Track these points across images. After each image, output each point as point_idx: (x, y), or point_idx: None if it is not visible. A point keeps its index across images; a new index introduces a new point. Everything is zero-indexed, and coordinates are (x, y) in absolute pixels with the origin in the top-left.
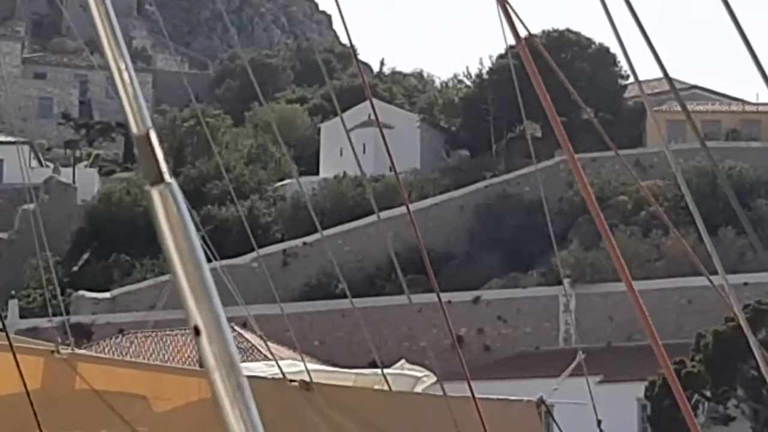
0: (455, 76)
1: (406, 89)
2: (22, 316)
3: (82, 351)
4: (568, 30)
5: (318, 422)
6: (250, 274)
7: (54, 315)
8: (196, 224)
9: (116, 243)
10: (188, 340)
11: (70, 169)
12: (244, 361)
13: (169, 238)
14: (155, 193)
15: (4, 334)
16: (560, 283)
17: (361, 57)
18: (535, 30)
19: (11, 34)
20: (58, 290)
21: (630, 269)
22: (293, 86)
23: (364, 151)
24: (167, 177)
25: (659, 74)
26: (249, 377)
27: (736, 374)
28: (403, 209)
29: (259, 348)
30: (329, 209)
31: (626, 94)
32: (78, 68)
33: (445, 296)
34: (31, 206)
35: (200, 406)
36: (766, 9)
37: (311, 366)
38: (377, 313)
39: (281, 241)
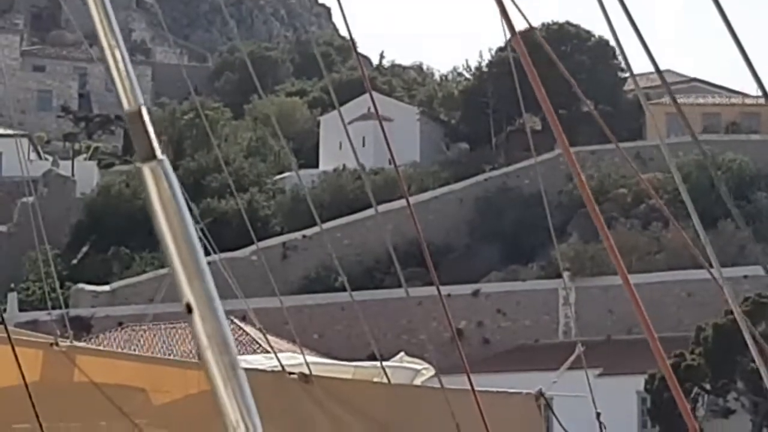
0: (455, 69)
1: (406, 82)
2: (21, 309)
3: (81, 344)
4: (567, 23)
5: (317, 415)
6: (250, 267)
7: (53, 308)
8: (194, 217)
9: (115, 236)
10: (188, 333)
11: (69, 162)
12: (243, 354)
13: (160, 215)
14: (147, 170)
15: (3, 327)
16: (560, 276)
17: (360, 50)
18: (535, 23)
19: (10, 27)
20: (57, 283)
21: (630, 262)
22: (293, 79)
23: (363, 144)
24: (159, 153)
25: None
26: (248, 370)
27: (736, 367)
28: (402, 202)
29: (259, 341)
30: (329, 202)
31: (626, 87)
32: (77, 61)
33: (445, 289)
34: (30, 199)
35: (199, 399)
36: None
37: (310, 359)
38: (376, 306)
39: (281, 234)
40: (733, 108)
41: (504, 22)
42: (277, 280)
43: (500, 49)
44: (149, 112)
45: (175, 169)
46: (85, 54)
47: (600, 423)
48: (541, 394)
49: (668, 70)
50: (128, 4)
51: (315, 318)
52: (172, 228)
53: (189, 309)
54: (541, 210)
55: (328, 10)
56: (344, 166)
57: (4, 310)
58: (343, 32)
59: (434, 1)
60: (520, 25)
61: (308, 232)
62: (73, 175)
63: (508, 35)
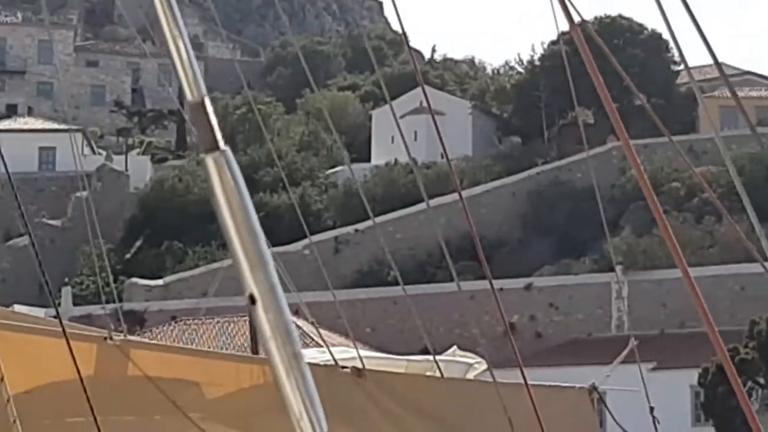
0: (507, 62)
1: (458, 76)
2: (75, 304)
3: (135, 338)
4: (620, 16)
5: (370, 409)
6: (302, 262)
7: (107, 302)
8: None
9: (168, 230)
10: (240, 327)
11: (122, 157)
12: None
13: (224, 206)
14: (210, 161)
15: (57, 321)
16: (612, 269)
17: (412, 44)
18: (588, 16)
19: (64, 23)
20: (111, 278)
21: (683, 256)
22: (345, 73)
23: (415, 138)
24: (222, 144)
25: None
26: None
27: None
28: (454, 196)
29: (311, 335)
30: (381, 196)
31: (679, 80)
32: (130, 56)
33: (497, 283)
34: (84, 194)
35: (252, 393)
36: None
37: (363, 353)
38: (429, 300)
39: (333, 228)
40: None
41: (561, 14)
42: (329, 274)
43: (552, 43)
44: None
45: None
46: (138, 49)
47: (653, 417)
48: (594, 388)
49: (722, 63)
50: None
51: (367, 312)
52: (235, 219)
53: (252, 300)
54: (593, 204)
55: (380, 4)
56: (396, 160)
57: (59, 304)
58: (395, 26)
59: None
60: (573, 19)
61: (360, 226)
62: (126, 169)
63: (561, 29)
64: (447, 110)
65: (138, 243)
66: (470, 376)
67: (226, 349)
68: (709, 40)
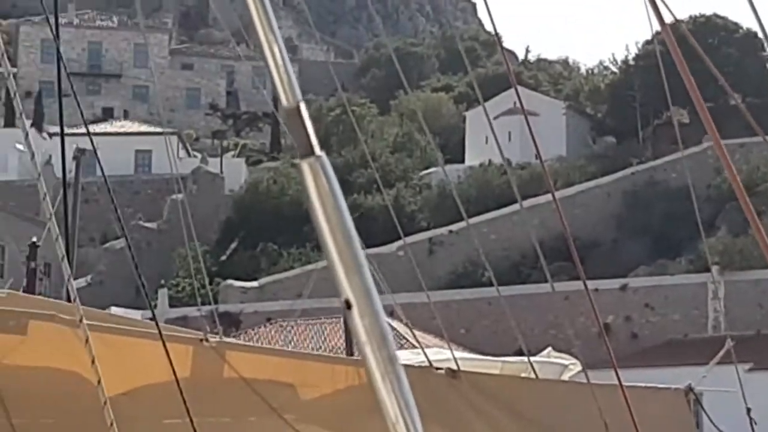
0: (601, 62)
1: (552, 76)
2: (171, 306)
3: (231, 339)
4: (715, 15)
5: (464, 410)
6: (396, 263)
7: (203, 304)
8: None
9: (263, 232)
10: (335, 328)
11: (217, 159)
12: None
13: (319, 211)
14: (306, 166)
15: (154, 323)
16: (708, 270)
17: (505, 44)
18: (682, 15)
19: (159, 26)
20: (207, 279)
21: None
22: (438, 74)
23: (509, 139)
24: (317, 150)
25: None
26: None
27: None
28: (548, 197)
29: (406, 336)
30: (475, 197)
31: None
32: (225, 59)
33: (592, 284)
34: (180, 196)
35: (347, 394)
36: None
37: (458, 354)
38: (523, 301)
39: (427, 229)
40: None
41: (653, 14)
42: (423, 275)
43: (647, 42)
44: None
45: None
46: (233, 52)
47: (750, 419)
48: (690, 389)
49: None
50: (275, 2)
51: (462, 313)
52: (330, 223)
53: (348, 305)
54: (689, 204)
55: (473, 5)
56: (490, 161)
57: (155, 306)
58: (489, 27)
59: None
60: (666, 19)
61: (454, 227)
62: (221, 172)
63: (655, 28)
64: (541, 111)
65: (233, 245)
66: (565, 377)
67: (321, 350)
68: None
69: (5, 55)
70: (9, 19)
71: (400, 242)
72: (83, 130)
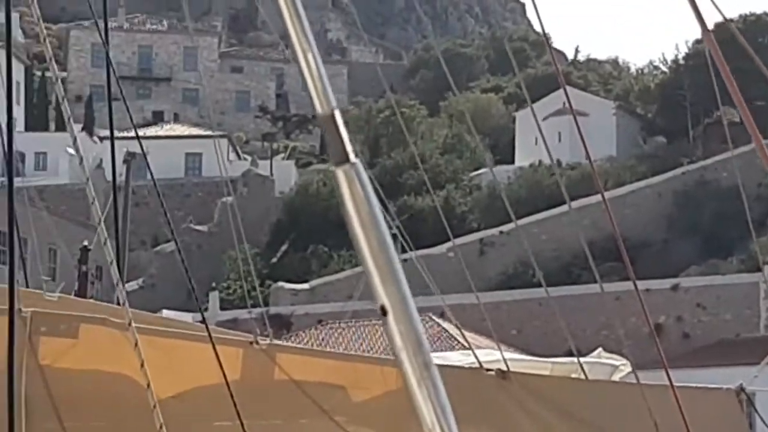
0: (651, 62)
1: (601, 76)
2: (222, 308)
3: (281, 342)
4: (765, 14)
5: (515, 411)
6: (447, 264)
7: (253, 306)
8: (390, 215)
9: (314, 234)
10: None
11: (267, 162)
12: (441, 351)
13: (354, 218)
14: (341, 173)
15: (204, 326)
16: (760, 269)
17: (555, 45)
18: (732, 14)
19: (209, 29)
20: (257, 282)
21: None
22: (488, 75)
23: (559, 140)
24: (352, 157)
25: None
26: (446, 367)
27: None
28: (598, 197)
29: (457, 337)
30: (525, 198)
31: None
32: (274, 62)
33: (643, 284)
34: (229, 199)
35: (398, 396)
36: None
37: (508, 355)
38: (573, 301)
39: (477, 230)
40: None
41: (695, 17)
42: (474, 276)
43: (697, 42)
44: (345, 112)
45: (372, 167)
46: (282, 55)
47: None
48: (742, 389)
49: None
50: (324, 4)
51: (513, 314)
52: (365, 231)
53: (384, 311)
54: (739, 203)
55: (522, 5)
56: (540, 161)
57: (206, 309)
58: (538, 27)
59: None
60: (714, 18)
61: (505, 228)
62: (271, 174)
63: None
64: (591, 111)
65: (284, 247)
66: (615, 378)
67: (372, 352)
68: None
69: (53, 60)
70: (59, 23)
71: (450, 243)
72: (133, 133)
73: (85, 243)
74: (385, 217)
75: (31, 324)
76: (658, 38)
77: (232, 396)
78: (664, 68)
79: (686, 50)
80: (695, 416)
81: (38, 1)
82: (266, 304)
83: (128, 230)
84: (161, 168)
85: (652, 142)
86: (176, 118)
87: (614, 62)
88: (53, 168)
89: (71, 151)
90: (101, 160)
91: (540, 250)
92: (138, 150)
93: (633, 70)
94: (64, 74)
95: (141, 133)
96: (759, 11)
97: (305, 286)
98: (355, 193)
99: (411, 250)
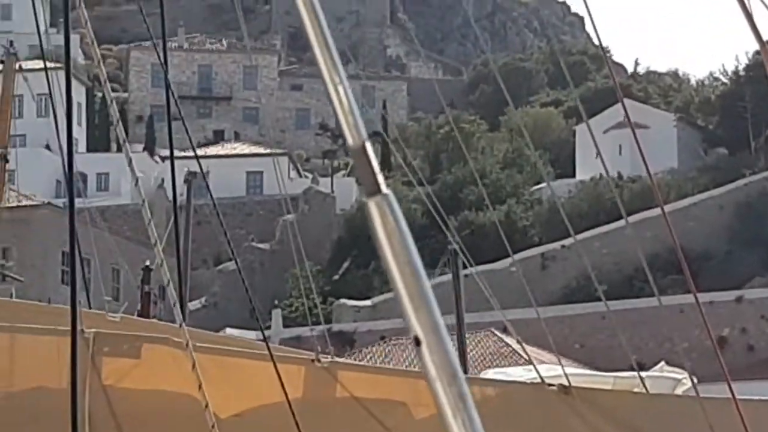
0: (711, 73)
1: (662, 89)
2: (285, 326)
3: (342, 359)
4: None
5: (577, 425)
6: (509, 279)
7: (315, 324)
8: (450, 231)
9: (375, 251)
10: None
11: (328, 179)
12: (504, 366)
13: (386, 249)
14: (372, 205)
15: (265, 344)
16: None
17: (614, 57)
18: None
19: (268, 48)
20: (318, 299)
21: None
22: (547, 89)
23: (620, 152)
24: (384, 188)
25: None
26: (508, 382)
27: None
28: (659, 210)
29: (520, 352)
30: (586, 211)
31: None
32: None
33: (707, 296)
34: (291, 217)
35: None
36: None
37: (570, 369)
38: (636, 314)
39: (539, 244)
40: None
41: (751, 30)
42: (536, 290)
43: (757, 53)
44: (404, 128)
45: (432, 183)
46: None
47: None
48: None
49: None
50: (383, 21)
51: (575, 328)
52: (398, 261)
53: (417, 342)
54: None
55: (581, 19)
56: (601, 175)
57: (269, 326)
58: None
59: (689, 7)
60: (765, 35)
61: (567, 242)
62: (332, 191)
63: (765, 38)
64: (651, 123)
65: (345, 264)
66: (678, 391)
67: None
68: None
69: (107, 82)
70: (120, 44)
71: (512, 258)
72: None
73: (147, 263)
74: (445, 233)
75: (93, 344)
76: (718, 49)
77: (293, 414)
78: (724, 79)
79: (746, 61)
80: (758, 430)
81: (99, 23)
82: (329, 322)
83: (190, 249)
84: (223, 187)
85: (713, 154)
86: (237, 137)
87: (674, 74)
88: (115, 188)
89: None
90: (163, 180)
91: (602, 263)
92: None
93: (693, 81)
94: (125, 95)
95: (202, 152)
96: None
97: (367, 302)
98: (387, 224)
99: (471, 266)
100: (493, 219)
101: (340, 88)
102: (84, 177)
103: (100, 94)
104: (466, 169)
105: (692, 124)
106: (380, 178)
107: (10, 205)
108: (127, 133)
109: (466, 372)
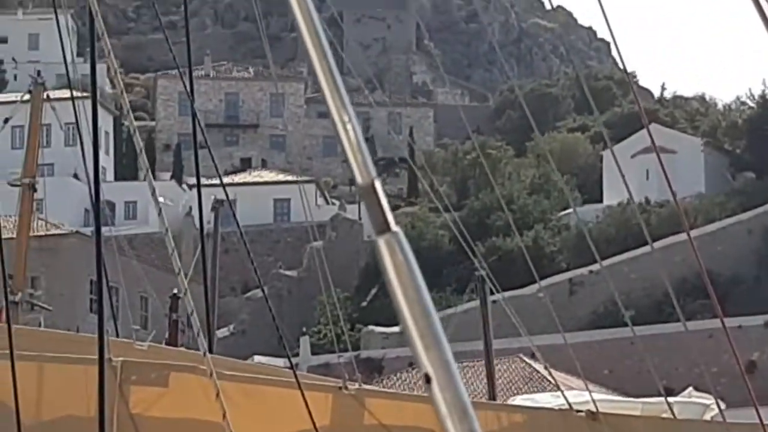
0: (738, 97)
1: (688, 113)
2: (314, 353)
3: (370, 387)
4: None
5: None
6: (537, 304)
7: (343, 351)
8: (478, 257)
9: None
10: (477, 372)
11: (355, 206)
12: (532, 393)
13: (396, 287)
14: (382, 242)
15: (294, 372)
16: None
17: (640, 82)
18: None
19: (294, 75)
20: (345, 326)
21: None
22: (574, 115)
23: (647, 177)
24: (393, 226)
25: None
26: (536, 408)
27: None
28: (685, 235)
29: (549, 378)
30: (614, 236)
31: None
32: (360, 105)
33: (735, 321)
34: (318, 244)
35: None
36: None
37: (597, 396)
38: (665, 339)
39: (567, 270)
40: None
41: None
42: (565, 316)
43: None
44: (431, 154)
45: (459, 209)
46: (368, 98)
47: None
48: None
49: None
50: (408, 48)
51: (604, 353)
52: (408, 299)
53: (428, 379)
54: None
55: (607, 44)
56: (628, 200)
57: (297, 354)
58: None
59: (714, 31)
60: None
61: (594, 267)
62: (359, 218)
63: None
64: (678, 148)
65: (373, 291)
66: (707, 417)
67: None
68: None
69: (130, 112)
70: (147, 72)
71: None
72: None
73: (175, 291)
74: (472, 260)
75: (121, 373)
76: (745, 73)
77: None
78: (751, 103)
79: None
80: None
81: (126, 52)
82: (357, 348)
83: (218, 277)
84: (250, 214)
85: (741, 178)
86: (264, 165)
87: (701, 99)
88: (143, 216)
89: (162, 199)
90: (191, 208)
91: (631, 288)
92: (229, 197)
93: (720, 106)
94: (152, 123)
95: (229, 180)
96: None
97: (396, 329)
98: (397, 262)
99: (498, 291)
100: (521, 245)
101: (349, 127)
102: (112, 205)
103: (127, 123)
104: (493, 195)
105: (719, 148)
106: (389, 216)
107: (38, 233)
108: (154, 162)
109: (494, 398)
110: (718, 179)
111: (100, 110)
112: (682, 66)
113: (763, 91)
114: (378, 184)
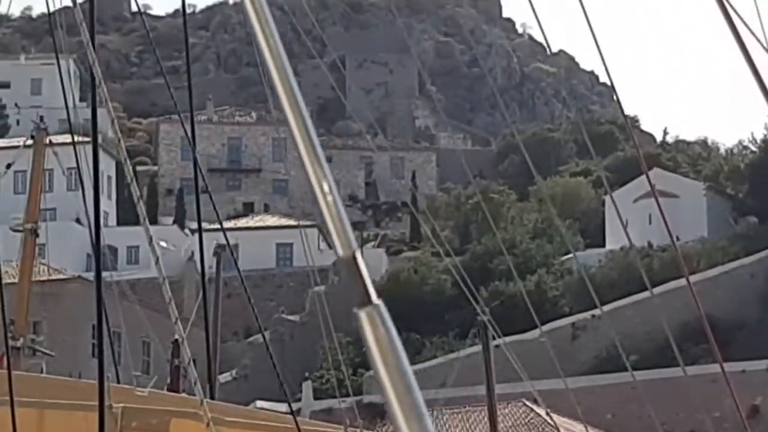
0: (740, 142)
1: (691, 157)
2: (316, 398)
3: (373, 431)
4: None
5: None
6: (539, 349)
7: (346, 396)
8: (479, 302)
9: (405, 322)
10: (480, 416)
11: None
12: None
13: (378, 359)
14: (363, 315)
15: (294, 418)
16: None
17: (643, 127)
18: None
19: None
20: (347, 371)
21: None
22: (576, 159)
23: (649, 222)
24: (374, 298)
25: None
26: None
27: None
28: (684, 280)
29: (552, 423)
30: (616, 280)
31: None
32: (363, 150)
33: (739, 365)
34: (321, 288)
35: None
36: None
37: None
38: (666, 384)
39: (570, 314)
40: None
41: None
42: (567, 360)
43: None
44: (434, 198)
45: (462, 253)
46: (371, 143)
47: None
48: None
49: None
50: (411, 92)
51: (606, 398)
52: (389, 371)
53: None
54: None
55: (609, 88)
56: (631, 244)
57: (298, 399)
58: (627, 110)
59: (716, 76)
60: None
61: (597, 311)
62: None
63: None
64: (681, 192)
65: None
66: None
67: None
68: None
69: (127, 160)
70: (149, 117)
71: (543, 327)
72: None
73: (177, 336)
74: (474, 306)
75: (122, 419)
76: (747, 118)
77: None
78: (753, 148)
79: None
80: None
81: (129, 97)
82: (359, 393)
83: (220, 321)
84: (253, 259)
85: (743, 222)
86: (266, 209)
87: (703, 143)
88: (145, 261)
89: (163, 244)
90: (193, 253)
91: (634, 332)
92: (231, 241)
93: (722, 150)
94: (155, 168)
95: (231, 224)
96: None
97: None
98: (378, 335)
99: (500, 337)
100: (522, 290)
101: (330, 199)
102: (114, 250)
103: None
104: (495, 240)
105: (722, 192)
106: (371, 288)
107: (40, 278)
108: (156, 206)
109: None
110: (720, 223)
111: (102, 155)
112: (685, 110)
113: (765, 135)
114: (359, 256)
